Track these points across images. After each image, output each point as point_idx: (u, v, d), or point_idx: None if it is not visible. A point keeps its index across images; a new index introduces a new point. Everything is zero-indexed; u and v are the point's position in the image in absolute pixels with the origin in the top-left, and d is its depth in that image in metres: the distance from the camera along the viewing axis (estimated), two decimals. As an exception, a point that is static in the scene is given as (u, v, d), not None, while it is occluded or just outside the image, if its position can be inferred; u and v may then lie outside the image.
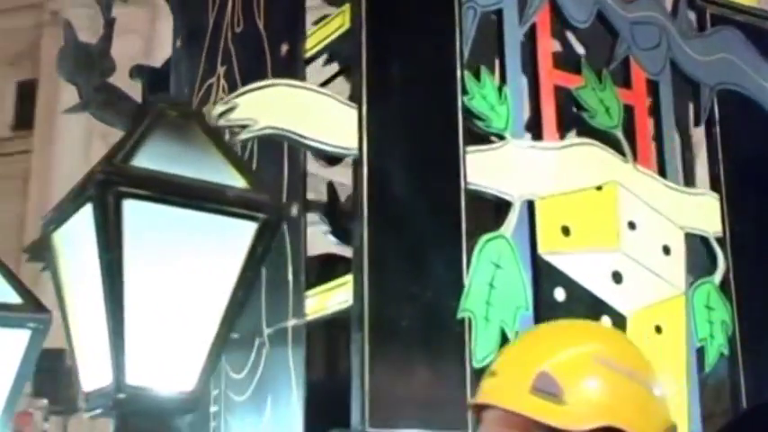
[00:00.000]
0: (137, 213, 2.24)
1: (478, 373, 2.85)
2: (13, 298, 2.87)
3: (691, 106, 3.73)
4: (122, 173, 2.18)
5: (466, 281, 2.87)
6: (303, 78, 3.13)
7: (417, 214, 2.86)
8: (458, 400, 2.72)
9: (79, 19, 7.47)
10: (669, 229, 3.37)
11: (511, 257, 2.99)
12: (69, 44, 4.34)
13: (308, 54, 3.17)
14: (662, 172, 3.44)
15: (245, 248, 2.34)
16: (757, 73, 3.79)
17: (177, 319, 2.29)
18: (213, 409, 3.25)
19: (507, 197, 3.05)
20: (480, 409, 1.74)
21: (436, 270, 2.84)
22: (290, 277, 3.00)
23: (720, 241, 3.49)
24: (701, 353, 3.32)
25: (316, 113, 2.78)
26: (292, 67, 3.16)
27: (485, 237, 2.99)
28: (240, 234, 2.34)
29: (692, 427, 3.19)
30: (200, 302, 2.31)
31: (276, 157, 3.12)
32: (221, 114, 2.60)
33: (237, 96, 2.66)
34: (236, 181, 2.37)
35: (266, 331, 3.06)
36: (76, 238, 2.22)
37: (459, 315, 2.83)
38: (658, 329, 3.24)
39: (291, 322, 2.96)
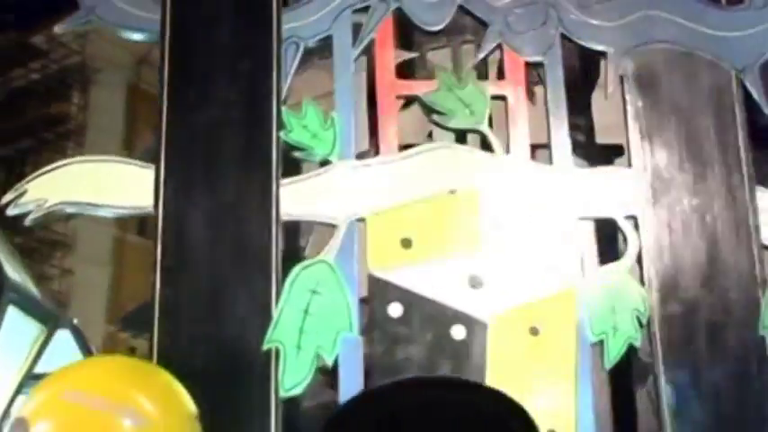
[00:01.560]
0: None
1: (285, 402, 2.92)
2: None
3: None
4: None
5: (275, 313, 2.94)
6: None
7: (218, 257, 2.98)
8: (262, 429, 2.83)
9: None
10: (555, 219, 3.13)
11: (332, 281, 2.99)
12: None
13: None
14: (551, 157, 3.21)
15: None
16: (697, 21, 3.37)
17: None
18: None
19: (331, 221, 3.06)
20: None
21: (237, 309, 2.93)
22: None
23: (636, 220, 3.17)
24: (600, 348, 3.05)
25: (110, 181, 3.02)
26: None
27: (300, 265, 3.03)
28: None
29: (579, 429, 2.95)
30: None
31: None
32: (10, 202, 2.94)
33: (27, 182, 2.98)
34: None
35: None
36: None
37: (266, 347, 2.90)
38: (534, 331, 3.03)
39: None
